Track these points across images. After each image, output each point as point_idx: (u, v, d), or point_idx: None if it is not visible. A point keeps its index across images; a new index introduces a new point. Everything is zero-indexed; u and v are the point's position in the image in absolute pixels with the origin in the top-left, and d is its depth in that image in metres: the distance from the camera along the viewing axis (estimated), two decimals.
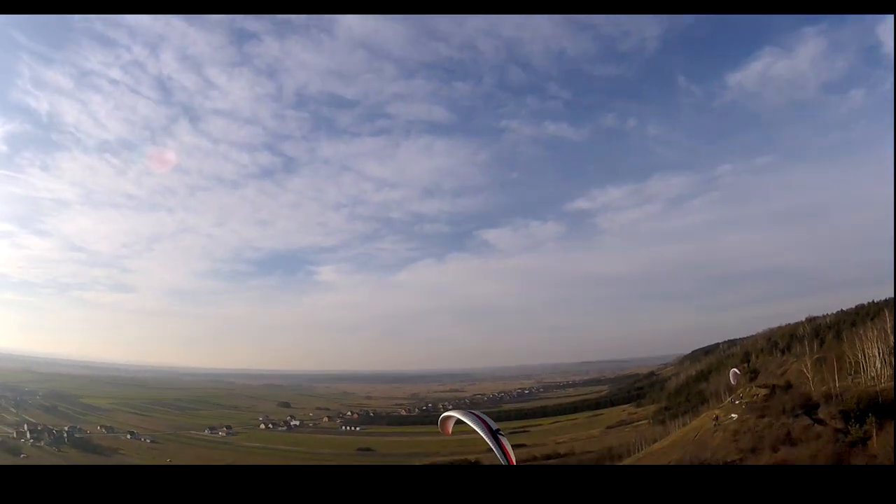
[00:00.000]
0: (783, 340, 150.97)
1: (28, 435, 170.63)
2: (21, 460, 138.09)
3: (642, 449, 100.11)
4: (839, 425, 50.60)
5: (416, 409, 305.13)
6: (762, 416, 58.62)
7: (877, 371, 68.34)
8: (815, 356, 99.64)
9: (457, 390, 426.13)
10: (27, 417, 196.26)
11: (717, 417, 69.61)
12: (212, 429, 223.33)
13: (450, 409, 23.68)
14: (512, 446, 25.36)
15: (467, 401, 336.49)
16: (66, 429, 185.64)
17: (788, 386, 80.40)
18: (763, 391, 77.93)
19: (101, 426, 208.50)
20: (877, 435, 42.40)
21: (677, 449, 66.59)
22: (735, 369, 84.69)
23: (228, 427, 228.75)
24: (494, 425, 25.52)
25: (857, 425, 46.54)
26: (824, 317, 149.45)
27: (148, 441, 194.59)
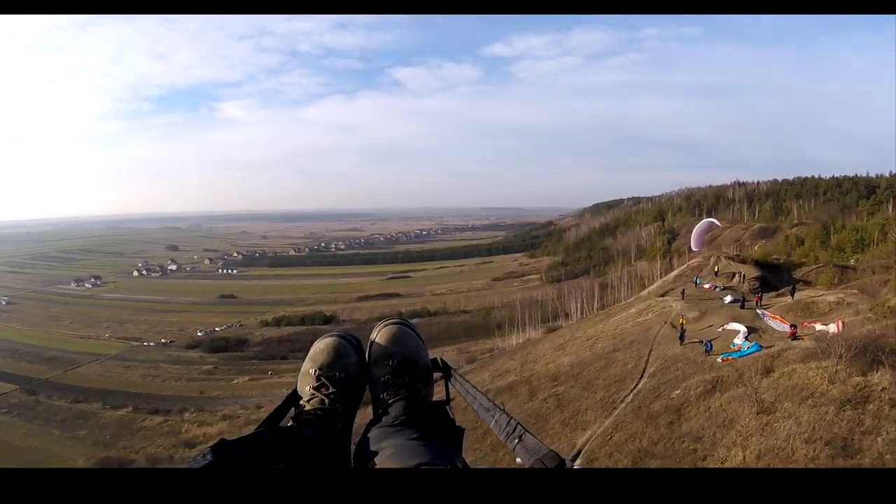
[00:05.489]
0: (707, 201, 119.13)
1: None
2: None
3: (525, 332, 63.34)
4: None
5: (307, 249, 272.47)
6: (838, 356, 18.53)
7: None
8: (758, 224, 78.21)
9: (356, 229, 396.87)
10: None
11: (682, 322, 30.61)
12: (78, 281, 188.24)
13: None
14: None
15: (362, 241, 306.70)
16: None
17: (787, 266, 42.28)
18: (752, 271, 39.81)
19: None
20: None
21: (577, 380, 27.96)
22: (713, 220, 46.07)
23: (97, 277, 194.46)
24: None
25: None
26: (757, 183, 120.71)
27: (3, 303, 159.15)
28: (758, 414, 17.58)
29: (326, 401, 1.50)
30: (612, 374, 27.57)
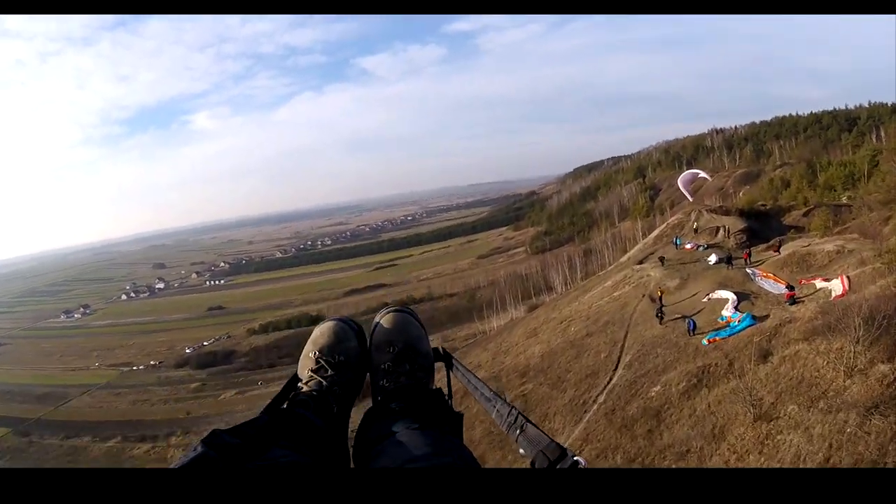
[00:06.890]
0: (686, 152, 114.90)
1: None
2: None
3: (498, 318, 59.47)
4: None
5: (293, 250, 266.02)
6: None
7: None
8: (740, 170, 74.48)
9: (341, 223, 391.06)
10: None
11: (661, 294, 26.53)
12: (67, 313, 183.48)
13: None
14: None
15: (348, 234, 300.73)
16: None
17: (775, 212, 38.09)
18: (737, 223, 35.61)
19: None
20: None
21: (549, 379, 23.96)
22: (696, 171, 41.68)
23: (86, 307, 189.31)
24: None
25: None
26: (735, 128, 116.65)
27: None
28: (755, 421, 13.30)
29: (324, 383, 1.48)
30: (584, 367, 23.28)
